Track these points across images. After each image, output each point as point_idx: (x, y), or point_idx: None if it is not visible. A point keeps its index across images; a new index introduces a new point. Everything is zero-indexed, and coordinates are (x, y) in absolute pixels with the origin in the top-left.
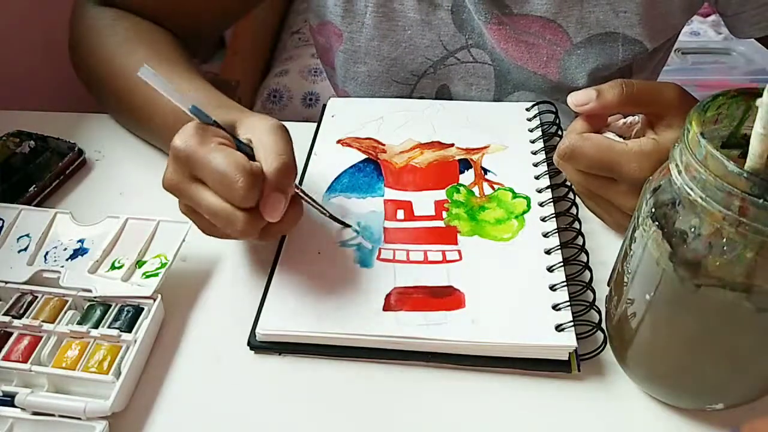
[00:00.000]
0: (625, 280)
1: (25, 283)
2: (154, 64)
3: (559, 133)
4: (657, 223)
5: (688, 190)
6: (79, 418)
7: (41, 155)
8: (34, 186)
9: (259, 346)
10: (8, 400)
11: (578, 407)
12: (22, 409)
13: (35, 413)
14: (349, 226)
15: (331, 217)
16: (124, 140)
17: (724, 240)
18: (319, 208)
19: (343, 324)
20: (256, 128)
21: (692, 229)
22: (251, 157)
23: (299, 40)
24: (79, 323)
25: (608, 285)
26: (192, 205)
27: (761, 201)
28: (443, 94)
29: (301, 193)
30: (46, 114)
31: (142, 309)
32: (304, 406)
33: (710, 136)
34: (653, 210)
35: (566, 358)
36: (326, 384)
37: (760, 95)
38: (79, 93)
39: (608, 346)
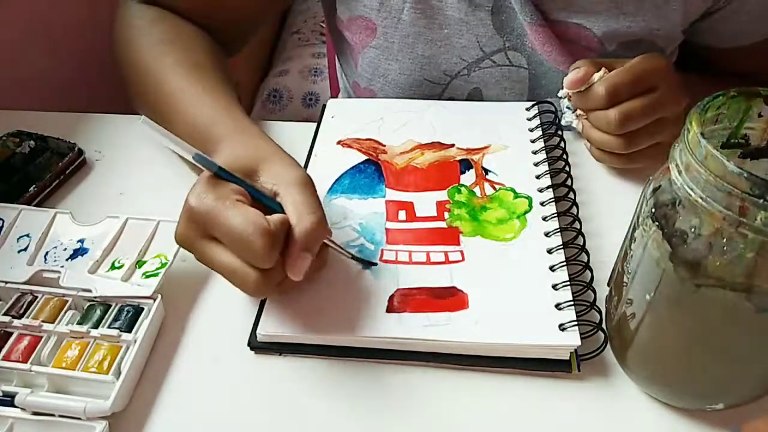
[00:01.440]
0: (625, 280)
1: (25, 283)
2: (183, 71)
3: (559, 132)
4: (657, 223)
5: (689, 190)
6: (79, 418)
7: (41, 155)
8: (34, 186)
9: (259, 346)
10: (8, 400)
11: (578, 407)
12: (22, 409)
13: (35, 413)
14: (374, 264)
15: (354, 257)
16: (124, 140)
17: (724, 240)
18: (343, 251)
19: (346, 326)
20: (283, 179)
21: (692, 230)
22: (268, 206)
23: (299, 40)
24: (79, 323)
25: (608, 285)
26: (204, 262)
27: (761, 201)
28: (475, 97)
29: (327, 241)
30: (46, 114)
31: (142, 309)
32: (304, 406)
33: (710, 136)
34: (653, 210)
35: (567, 358)
36: (326, 384)
37: (760, 95)
38: (79, 93)
39: (608, 346)
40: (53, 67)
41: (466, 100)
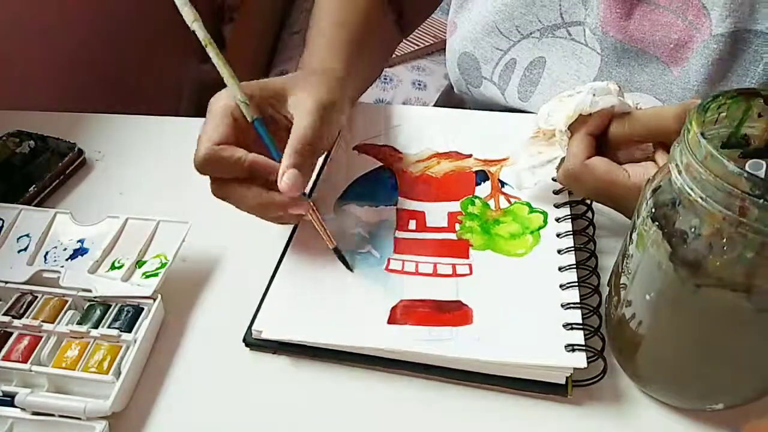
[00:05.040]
0: (625, 281)
1: (25, 283)
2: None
3: None
4: (657, 223)
5: (688, 191)
6: (79, 418)
7: (41, 155)
8: (34, 186)
9: (254, 343)
10: (8, 400)
11: (578, 406)
12: (22, 409)
13: (35, 413)
14: (351, 270)
15: (337, 252)
16: (124, 140)
17: (724, 240)
18: (327, 236)
19: (344, 335)
20: (299, 107)
21: (692, 230)
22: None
23: (300, 40)
24: (79, 323)
25: (608, 285)
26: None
27: (761, 201)
28: (537, 66)
29: (312, 215)
30: (46, 114)
31: (142, 309)
32: (303, 407)
33: (710, 136)
34: (653, 210)
35: (563, 383)
36: (326, 385)
37: (760, 95)
38: (79, 93)
39: (606, 373)
40: (53, 67)
41: (527, 67)
